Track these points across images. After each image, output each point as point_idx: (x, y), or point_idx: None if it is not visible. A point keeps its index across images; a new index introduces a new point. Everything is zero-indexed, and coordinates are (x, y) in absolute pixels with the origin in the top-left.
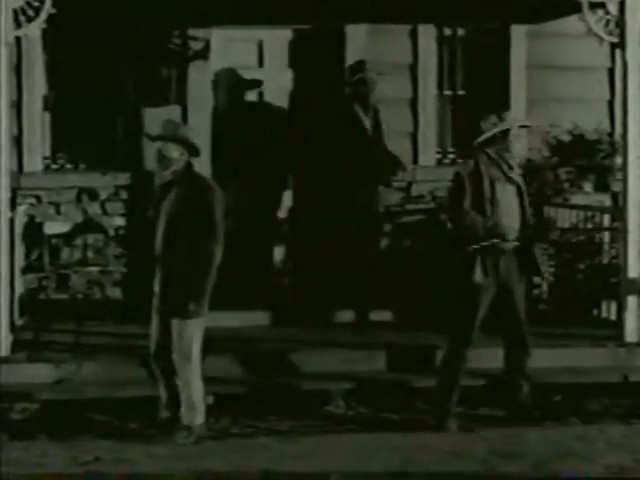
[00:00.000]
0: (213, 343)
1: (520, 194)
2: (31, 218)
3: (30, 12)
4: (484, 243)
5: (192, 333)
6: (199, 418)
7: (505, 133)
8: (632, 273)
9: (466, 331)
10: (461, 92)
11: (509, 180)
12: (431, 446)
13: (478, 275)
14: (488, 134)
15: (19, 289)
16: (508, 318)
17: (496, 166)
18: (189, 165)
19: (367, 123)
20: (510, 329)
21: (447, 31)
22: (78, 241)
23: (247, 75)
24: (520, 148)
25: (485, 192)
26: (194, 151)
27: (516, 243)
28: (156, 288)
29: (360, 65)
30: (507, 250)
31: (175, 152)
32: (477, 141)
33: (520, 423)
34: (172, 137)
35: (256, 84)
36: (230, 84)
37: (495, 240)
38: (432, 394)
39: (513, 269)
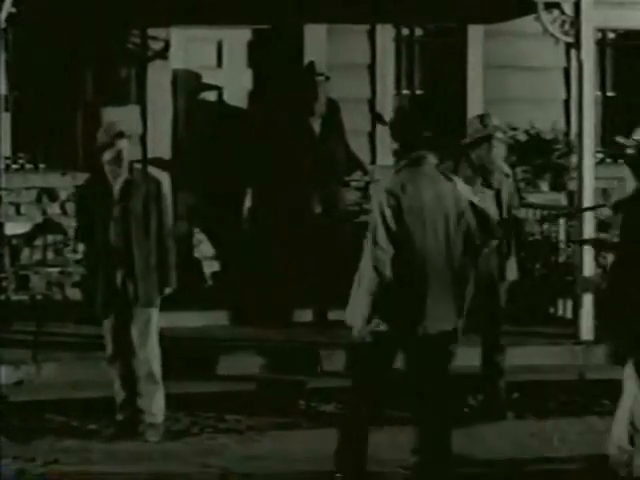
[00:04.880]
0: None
1: (498, 197)
2: None
3: None
4: None
5: (156, 327)
6: (161, 416)
7: (487, 138)
8: (587, 272)
9: None
10: (419, 92)
11: (488, 185)
12: (387, 443)
13: None
14: (466, 141)
15: None
16: (486, 314)
17: (476, 170)
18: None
19: (323, 123)
20: (487, 324)
21: (405, 31)
22: (38, 242)
23: (206, 75)
24: (499, 152)
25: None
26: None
27: (496, 241)
28: (117, 285)
29: (310, 66)
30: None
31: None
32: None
33: (477, 419)
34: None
35: (215, 86)
36: (189, 84)
37: None
38: None
39: (493, 267)
